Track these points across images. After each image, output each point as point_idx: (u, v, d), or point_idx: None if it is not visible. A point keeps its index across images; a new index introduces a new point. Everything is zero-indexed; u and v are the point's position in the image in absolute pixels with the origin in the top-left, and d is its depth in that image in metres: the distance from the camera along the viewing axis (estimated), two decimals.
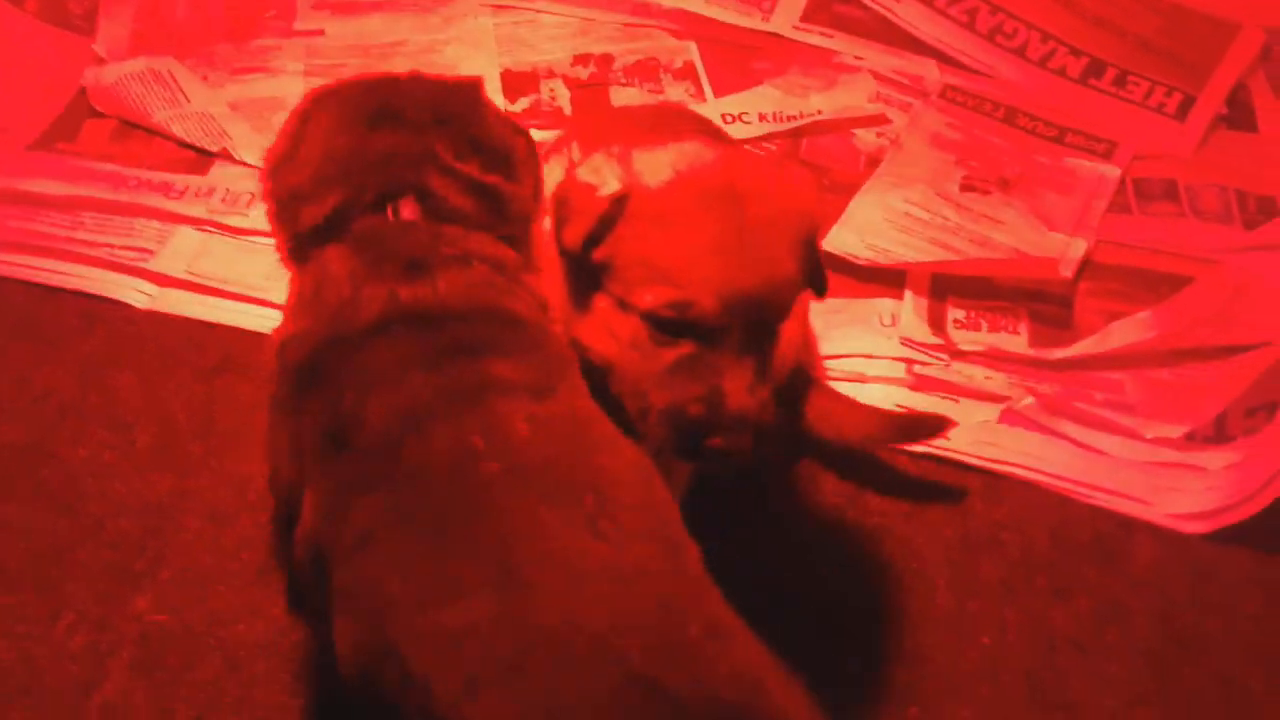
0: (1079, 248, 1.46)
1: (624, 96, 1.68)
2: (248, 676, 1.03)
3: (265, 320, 1.36)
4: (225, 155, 1.57)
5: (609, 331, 0.90)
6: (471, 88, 0.97)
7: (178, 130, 1.60)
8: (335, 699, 0.99)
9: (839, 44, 1.78)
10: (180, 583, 1.10)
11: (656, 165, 0.88)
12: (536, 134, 1.49)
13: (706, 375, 0.86)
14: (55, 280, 1.41)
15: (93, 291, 1.39)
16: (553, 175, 0.98)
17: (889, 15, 1.80)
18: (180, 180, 1.54)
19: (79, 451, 1.22)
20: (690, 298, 0.84)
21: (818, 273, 0.94)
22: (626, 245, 0.87)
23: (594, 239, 0.88)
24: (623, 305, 0.88)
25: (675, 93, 1.69)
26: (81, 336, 1.35)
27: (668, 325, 0.86)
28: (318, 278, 0.84)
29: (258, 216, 1.48)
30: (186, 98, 1.64)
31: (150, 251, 1.44)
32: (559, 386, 0.80)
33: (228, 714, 1.00)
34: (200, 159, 1.57)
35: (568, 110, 1.66)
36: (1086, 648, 1.11)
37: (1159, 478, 1.21)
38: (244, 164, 1.56)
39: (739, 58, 1.75)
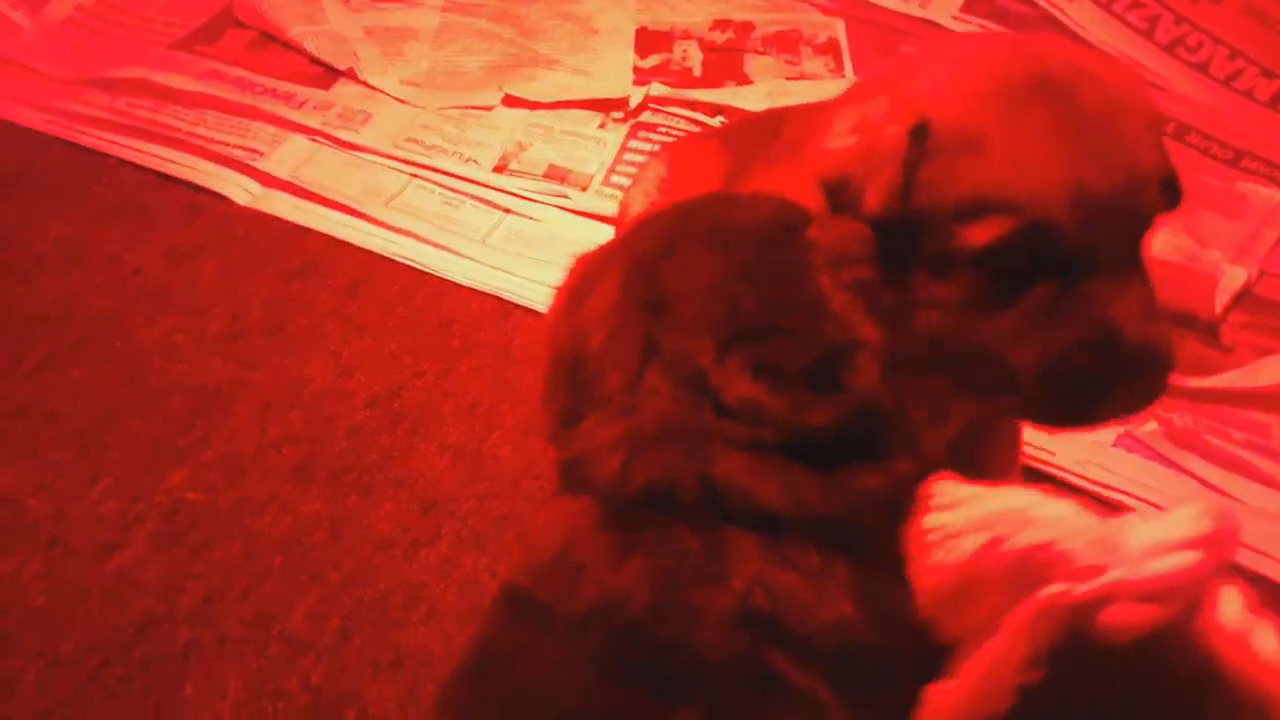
0: (1237, 277, 1.31)
1: (758, 65, 1.61)
2: (261, 567, 0.99)
3: (354, 231, 1.35)
4: (350, 75, 1.58)
5: (934, 302, 0.71)
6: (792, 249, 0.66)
7: (310, 46, 1.61)
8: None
9: None
10: (218, 466, 1.08)
11: (938, 80, 0.70)
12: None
13: (1083, 311, 0.66)
14: (169, 168, 1.43)
15: (200, 183, 1.41)
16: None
17: (1058, 14, 1.67)
18: (303, 92, 1.55)
19: (152, 330, 1.22)
20: (1036, 218, 0.65)
21: (1170, 175, 0.72)
22: (937, 189, 0.68)
23: (904, 191, 0.69)
24: (946, 263, 0.69)
25: (813, 66, 1.61)
26: (181, 224, 1.36)
27: (1015, 264, 0.67)
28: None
29: (367, 133, 1.49)
30: (326, 18, 1.66)
31: (261, 153, 1.45)
32: None
33: (234, 600, 0.97)
34: (325, 75, 1.59)
35: (697, 72, 1.60)
36: None
37: None
38: (366, 84, 1.56)
39: (886, 40, 1.65)
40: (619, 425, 0.62)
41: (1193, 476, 1.11)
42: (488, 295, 1.26)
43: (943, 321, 0.71)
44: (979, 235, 0.67)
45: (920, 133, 0.68)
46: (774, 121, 0.93)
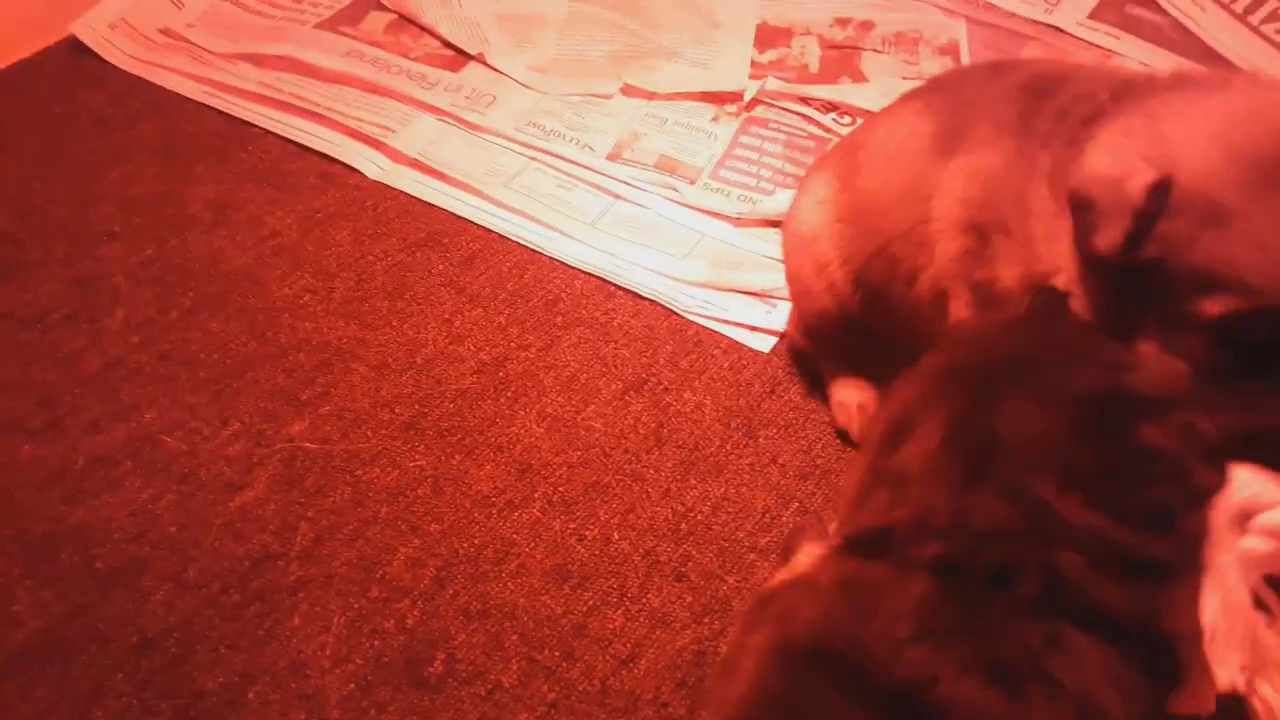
0: None
1: (875, 63, 1.62)
2: (369, 514, 1.07)
3: (474, 208, 1.42)
4: (480, 59, 1.65)
5: (1170, 351, 0.71)
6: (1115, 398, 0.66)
7: (444, 30, 1.69)
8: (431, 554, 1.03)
9: (1124, 46, 1.63)
10: (335, 418, 1.16)
11: (1196, 135, 0.68)
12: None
13: None
14: (307, 140, 1.53)
15: (335, 155, 1.50)
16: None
17: (1190, 24, 1.63)
18: (434, 74, 1.63)
19: (284, 288, 1.32)
20: (1271, 303, 0.65)
21: None
22: (1176, 249, 0.68)
23: (1135, 241, 0.69)
24: (1181, 319, 0.69)
25: (931, 67, 1.61)
26: (315, 192, 1.46)
27: (1243, 336, 0.67)
28: None
29: (492, 116, 1.56)
30: (460, 3, 1.74)
31: (392, 130, 1.53)
32: None
33: (342, 543, 1.05)
34: (457, 58, 1.66)
35: (814, 68, 1.62)
36: None
37: None
38: (494, 69, 1.63)
39: (1008, 44, 1.64)
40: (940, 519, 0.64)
41: None
42: (592, 275, 1.32)
43: (1184, 379, 0.71)
44: (1214, 307, 0.66)
45: (1162, 190, 0.67)
46: (1007, 78, 0.88)
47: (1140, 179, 0.68)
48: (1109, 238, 0.69)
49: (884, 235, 0.95)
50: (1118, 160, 0.69)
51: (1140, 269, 0.69)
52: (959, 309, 0.88)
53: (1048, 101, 0.81)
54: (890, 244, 0.95)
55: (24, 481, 1.11)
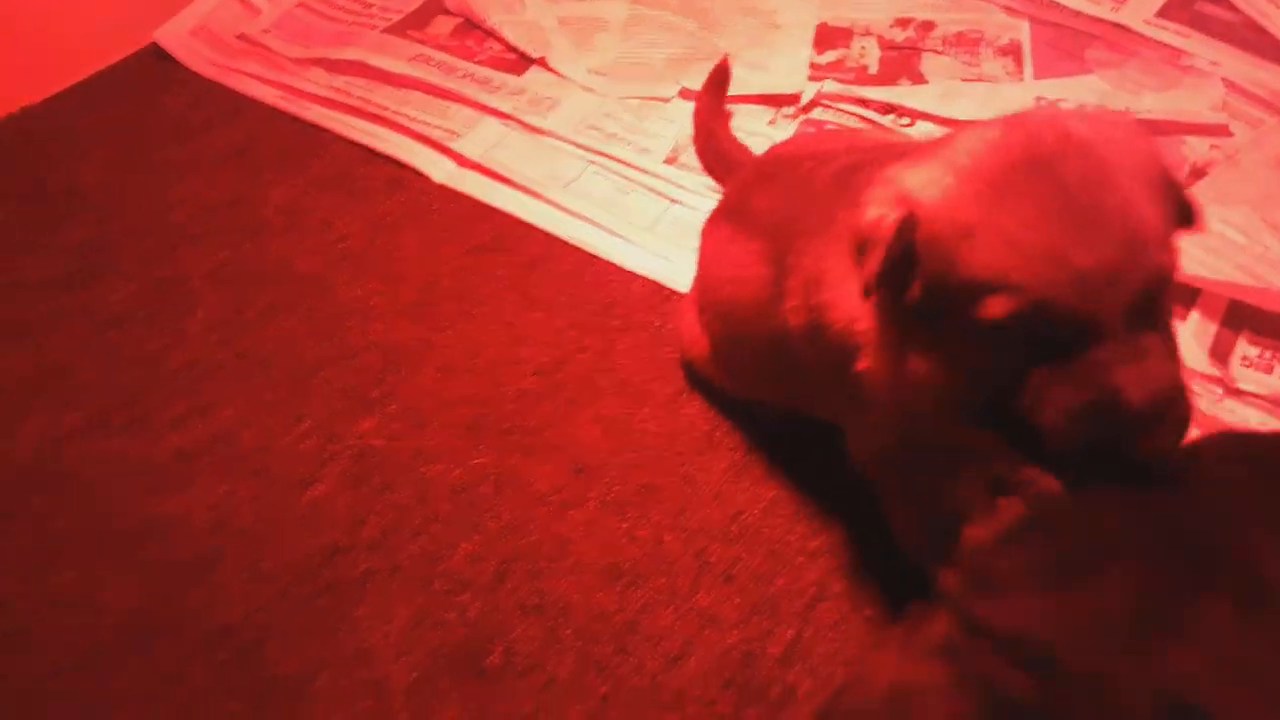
0: None
1: (935, 65, 1.62)
2: (432, 511, 1.12)
3: (535, 212, 1.45)
4: (542, 63, 1.69)
5: (965, 365, 0.77)
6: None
7: (509, 34, 1.73)
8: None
9: (1195, 45, 1.61)
10: (402, 417, 1.21)
11: (932, 172, 0.75)
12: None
13: (1091, 379, 0.70)
14: (376, 144, 1.58)
15: (403, 159, 1.55)
16: None
17: (1263, 21, 1.60)
18: (498, 77, 1.67)
19: (354, 291, 1.37)
20: (1035, 298, 0.69)
21: (1184, 208, 0.75)
22: (945, 272, 0.74)
23: (893, 273, 0.76)
24: (968, 333, 0.74)
25: (992, 68, 1.60)
26: (383, 196, 1.51)
27: (1027, 337, 0.71)
28: None
29: (554, 119, 1.60)
30: (524, 6, 1.78)
31: (458, 134, 1.58)
32: None
33: (406, 537, 1.10)
34: (520, 62, 1.70)
35: (873, 69, 1.63)
36: None
37: None
38: (556, 72, 1.67)
39: (1073, 43, 1.63)
40: None
41: None
42: (648, 279, 1.35)
43: (978, 385, 0.77)
44: (995, 307, 0.71)
45: (908, 223, 0.75)
46: (814, 182, 0.97)
47: (890, 218, 0.76)
48: (869, 269, 0.77)
49: (744, 334, 1.05)
50: (877, 209, 0.77)
51: (917, 294, 0.76)
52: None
53: (849, 186, 0.88)
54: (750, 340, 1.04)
55: (111, 476, 1.17)
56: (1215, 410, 1.17)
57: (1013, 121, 0.77)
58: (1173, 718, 0.59)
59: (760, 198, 1.06)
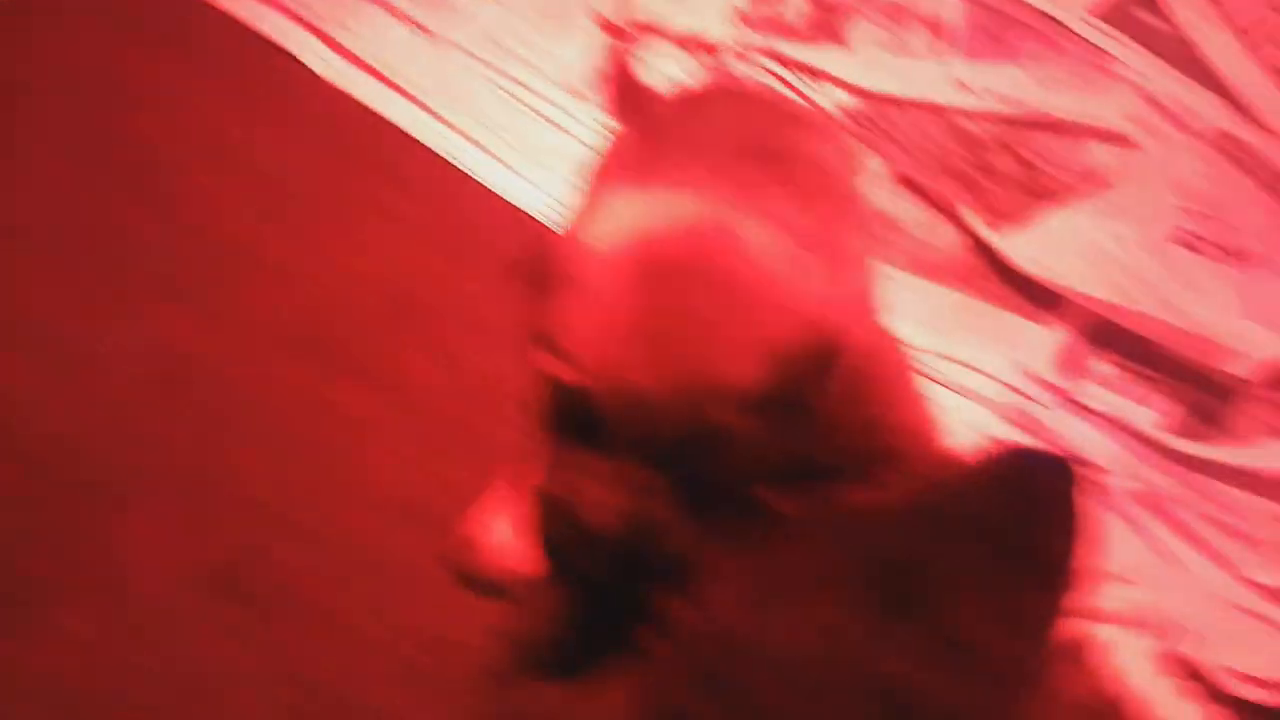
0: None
1: (863, 31, 1.57)
2: (223, 417, 1.08)
3: (414, 122, 1.38)
4: None
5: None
6: None
7: None
8: None
9: (1122, 51, 1.57)
10: (221, 317, 1.16)
11: (611, 221, 0.71)
12: None
13: (576, 477, 0.69)
14: (256, 24, 1.47)
15: (281, 43, 1.44)
16: None
17: (1194, 36, 1.56)
18: None
19: (201, 178, 1.29)
20: (578, 382, 0.67)
21: (815, 395, 0.69)
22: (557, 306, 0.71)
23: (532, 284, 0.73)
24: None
25: (918, 43, 1.55)
26: (254, 81, 1.42)
27: (565, 409, 0.70)
28: None
29: (453, 27, 1.50)
30: None
31: (347, 27, 1.48)
32: None
33: (188, 440, 1.05)
34: None
35: (797, 23, 1.57)
36: None
37: (1237, 623, 1.02)
38: None
39: (1003, 29, 1.58)
40: None
41: (1149, 539, 1.08)
42: (520, 209, 1.29)
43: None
44: (541, 366, 0.69)
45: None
46: None
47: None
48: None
49: None
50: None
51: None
52: None
53: None
54: None
55: None
56: (1051, 421, 1.16)
57: (714, 222, 0.70)
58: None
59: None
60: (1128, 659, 0.67)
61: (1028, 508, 0.67)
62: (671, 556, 0.67)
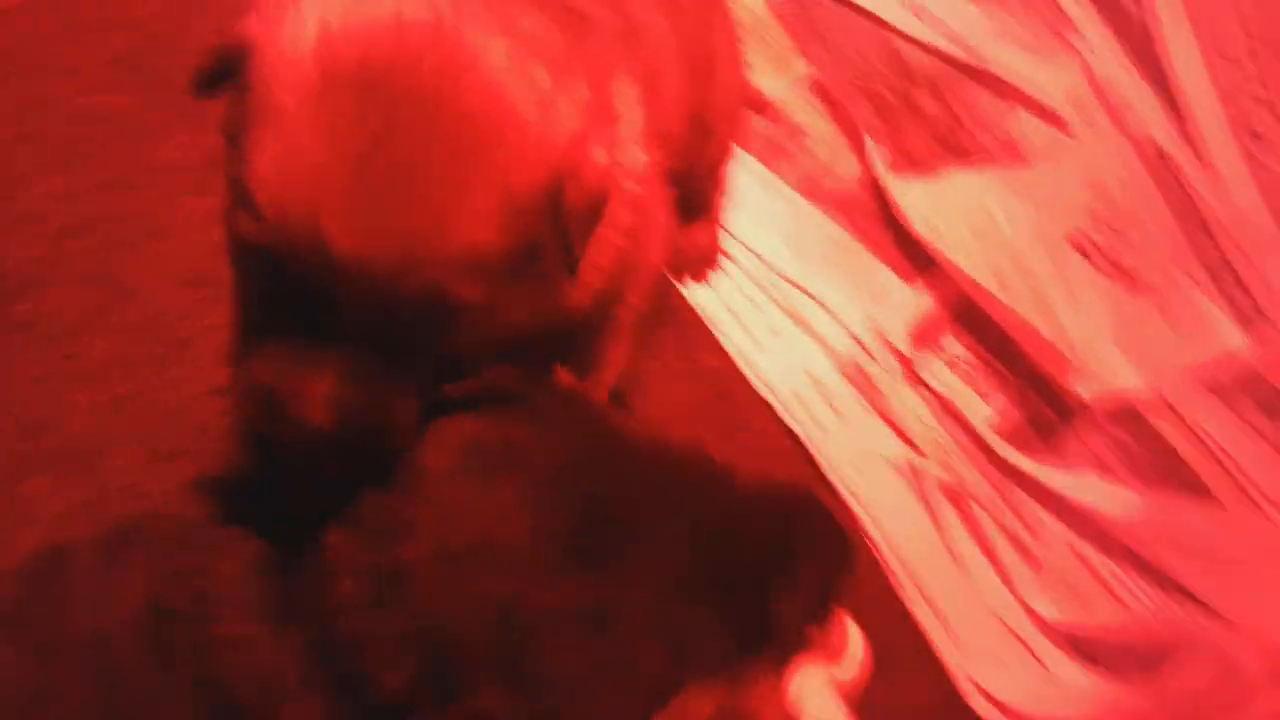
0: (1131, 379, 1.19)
1: None
2: (35, 131, 0.90)
3: None
4: None
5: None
6: None
7: None
8: None
9: (1084, 22, 1.46)
10: None
11: (304, 21, 0.53)
12: None
13: (285, 362, 0.56)
14: None
15: None
16: None
17: (1154, 28, 1.47)
18: None
19: None
20: (275, 239, 0.53)
21: (561, 249, 0.57)
22: (240, 130, 0.55)
23: (206, 89, 0.57)
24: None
25: None
26: None
27: (263, 274, 0.56)
28: None
29: None
30: None
31: None
32: None
33: None
34: None
35: None
36: None
37: (1000, 642, 0.99)
38: None
39: None
40: None
41: (942, 534, 1.04)
42: None
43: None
44: (245, 224, 0.55)
45: (237, 56, 0.57)
46: None
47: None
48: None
49: None
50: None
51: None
52: None
53: None
54: None
55: None
56: (881, 384, 1.10)
57: (434, 24, 0.53)
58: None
59: None
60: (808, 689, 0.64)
61: (767, 549, 0.61)
62: (392, 452, 0.57)
